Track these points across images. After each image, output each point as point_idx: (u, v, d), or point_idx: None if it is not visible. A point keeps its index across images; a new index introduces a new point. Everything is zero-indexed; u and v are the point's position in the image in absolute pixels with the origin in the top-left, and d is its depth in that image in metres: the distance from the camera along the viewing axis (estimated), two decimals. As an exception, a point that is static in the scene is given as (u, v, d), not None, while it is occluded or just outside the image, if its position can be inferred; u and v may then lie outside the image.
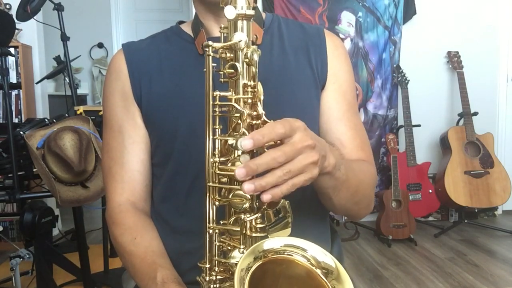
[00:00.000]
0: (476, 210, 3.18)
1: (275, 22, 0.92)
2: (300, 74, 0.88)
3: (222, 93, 0.62)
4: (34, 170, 2.05)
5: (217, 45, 0.61)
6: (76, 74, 4.60)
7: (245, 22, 0.60)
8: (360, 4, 3.37)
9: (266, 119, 0.59)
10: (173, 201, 0.88)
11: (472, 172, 3.15)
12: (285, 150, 0.57)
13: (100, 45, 4.90)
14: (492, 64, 3.56)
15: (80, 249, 2.17)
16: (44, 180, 1.87)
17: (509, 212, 3.62)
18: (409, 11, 3.42)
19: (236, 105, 0.61)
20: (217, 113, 0.64)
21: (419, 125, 3.32)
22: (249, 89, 0.61)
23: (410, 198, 3.15)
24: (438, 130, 3.44)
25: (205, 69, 0.63)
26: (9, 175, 2.10)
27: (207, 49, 0.61)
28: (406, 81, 3.27)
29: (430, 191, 3.22)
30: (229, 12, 0.58)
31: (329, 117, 0.90)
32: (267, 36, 0.89)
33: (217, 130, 0.64)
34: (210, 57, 0.62)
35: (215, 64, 0.63)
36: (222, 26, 0.64)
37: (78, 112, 2.46)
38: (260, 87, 0.61)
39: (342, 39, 3.36)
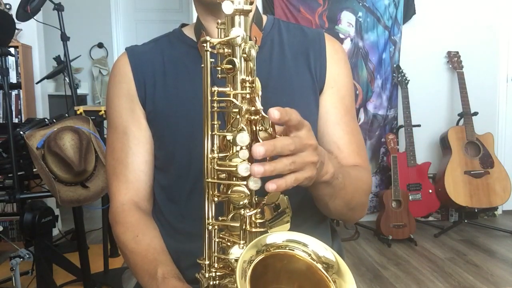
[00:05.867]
0: (476, 210, 3.18)
1: (275, 27, 0.92)
2: (299, 79, 0.88)
3: (220, 89, 0.62)
4: (34, 170, 2.05)
5: (214, 40, 0.61)
6: (76, 74, 4.60)
7: (242, 17, 0.60)
8: (360, 4, 3.37)
9: (264, 114, 0.59)
10: (176, 203, 0.88)
11: (472, 172, 3.15)
12: (294, 140, 0.57)
13: (100, 45, 4.91)
14: (492, 64, 3.56)
15: (80, 249, 2.17)
16: (44, 180, 1.87)
17: (509, 212, 3.62)
18: (409, 11, 3.42)
19: (234, 100, 0.61)
20: (215, 108, 0.64)
21: (419, 125, 3.32)
22: (247, 84, 0.61)
23: (410, 198, 3.15)
24: (438, 130, 3.44)
25: (202, 65, 0.63)
26: (9, 175, 2.10)
27: (204, 45, 0.61)
28: (406, 81, 3.27)
29: (430, 191, 3.22)
30: (227, 7, 0.58)
31: (326, 121, 0.90)
32: (267, 41, 0.89)
33: (215, 126, 0.64)
34: (208, 52, 0.62)
35: (213, 60, 0.63)
36: (219, 21, 0.64)
37: (78, 112, 2.46)
38: (258, 83, 0.61)
39: (342, 39, 3.36)
